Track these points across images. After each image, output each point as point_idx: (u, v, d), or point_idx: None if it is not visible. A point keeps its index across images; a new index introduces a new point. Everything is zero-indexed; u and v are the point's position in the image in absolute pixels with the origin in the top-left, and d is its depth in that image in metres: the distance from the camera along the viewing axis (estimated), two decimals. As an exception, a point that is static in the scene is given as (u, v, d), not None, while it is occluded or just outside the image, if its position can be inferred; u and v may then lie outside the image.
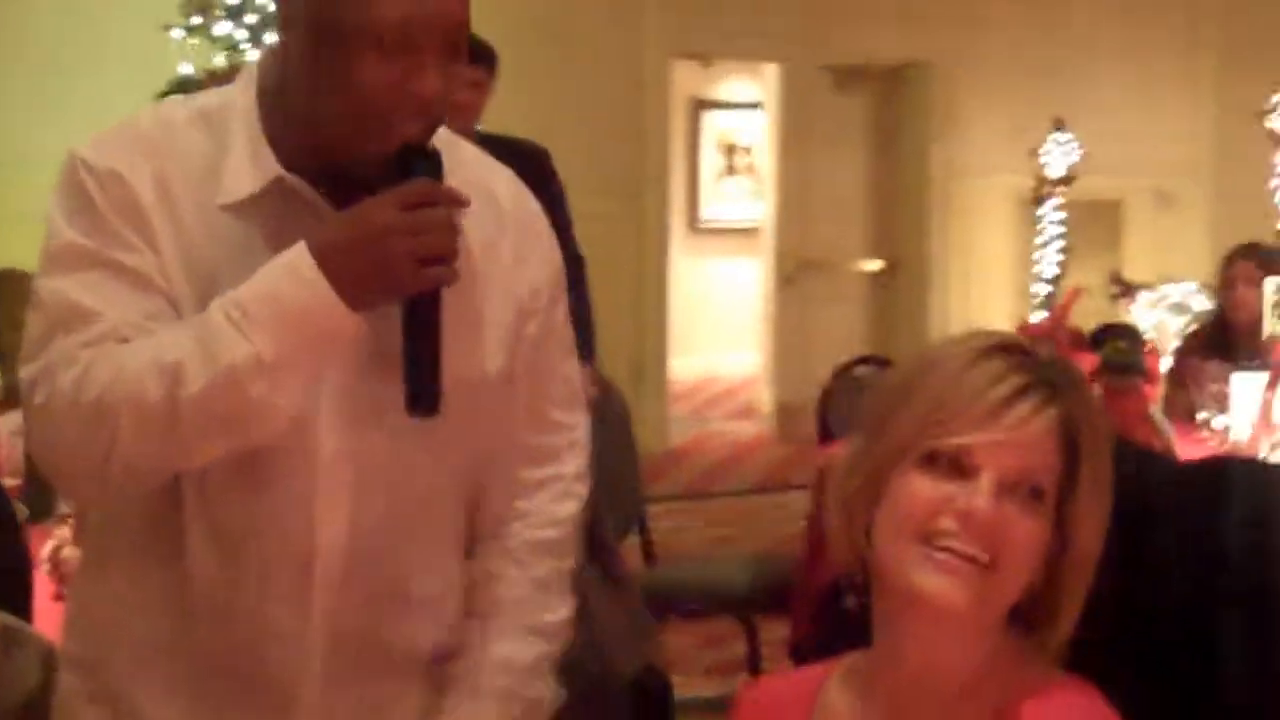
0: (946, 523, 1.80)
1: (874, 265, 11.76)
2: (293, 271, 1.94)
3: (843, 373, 6.27)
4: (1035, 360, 1.86)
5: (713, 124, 15.23)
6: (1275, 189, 10.25)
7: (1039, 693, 1.85)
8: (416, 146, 2.02)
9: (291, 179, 2.04)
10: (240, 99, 2.09)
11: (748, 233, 13.74)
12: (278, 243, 2.00)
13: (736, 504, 9.53)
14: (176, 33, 7.41)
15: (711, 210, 15.19)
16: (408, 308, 1.99)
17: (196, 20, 7.44)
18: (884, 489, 1.85)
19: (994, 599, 1.83)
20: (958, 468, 1.81)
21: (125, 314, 1.97)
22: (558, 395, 2.28)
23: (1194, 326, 7.77)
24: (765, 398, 12.06)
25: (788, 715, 1.99)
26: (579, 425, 2.32)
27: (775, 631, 5.31)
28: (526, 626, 2.24)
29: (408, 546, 2.17)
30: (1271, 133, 10.43)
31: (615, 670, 3.31)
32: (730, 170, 15.32)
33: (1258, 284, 6.09)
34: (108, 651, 2.15)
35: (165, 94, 7.42)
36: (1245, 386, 5.38)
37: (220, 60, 7.39)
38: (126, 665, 2.14)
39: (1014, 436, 1.81)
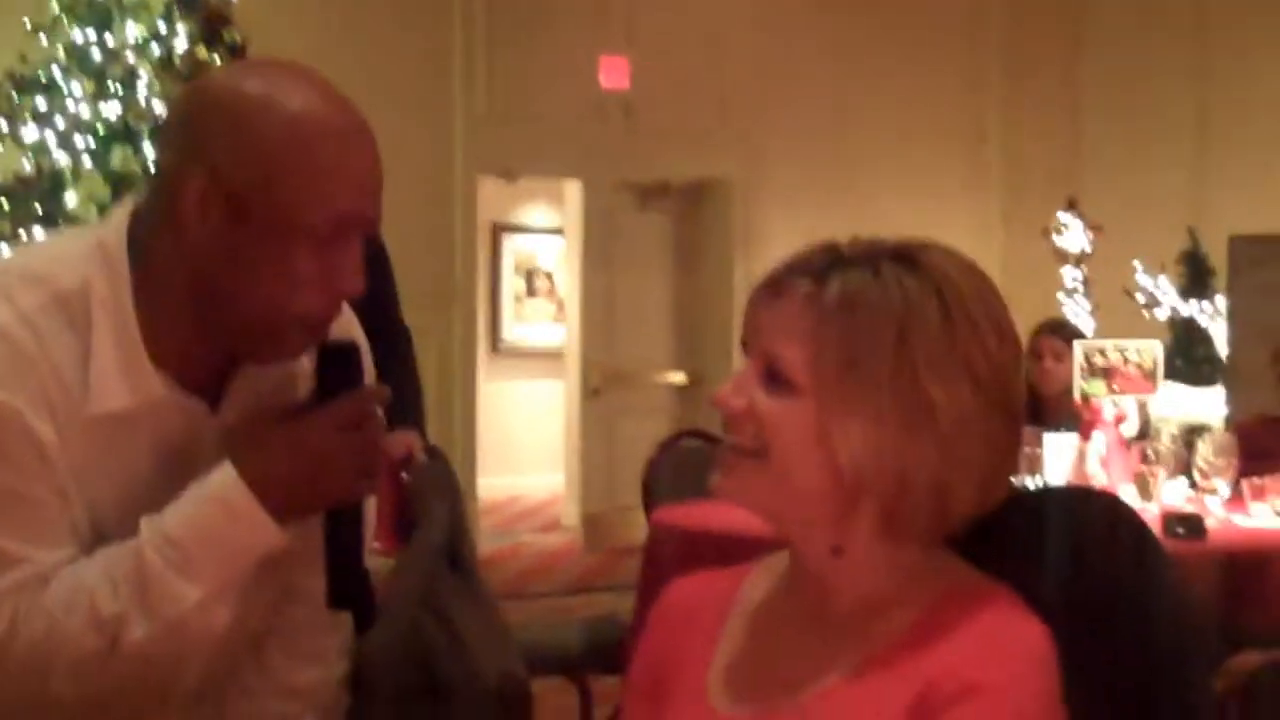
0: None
1: (678, 378, 11.88)
2: (229, 509, 1.88)
3: (668, 445, 6.37)
4: (822, 253, 1.81)
5: (512, 247, 15.37)
6: (1062, 302, 10.58)
7: (957, 609, 1.79)
8: (342, 345, 1.98)
9: (172, 397, 1.96)
10: (103, 286, 1.93)
11: (549, 355, 13.86)
12: (160, 449, 1.96)
13: (550, 604, 9.51)
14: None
15: (513, 333, 15.31)
16: (331, 514, 1.98)
17: (2, 125, 7.38)
18: None
19: (775, 488, 1.80)
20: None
21: (43, 552, 1.87)
22: None
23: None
24: (571, 512, 12.08)
25: (709, 610, 1.96)
26: None
27: (608, 694, 5.33)
28: None
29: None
30: (1058, 250, 10.83)
31: (477, 672, 3.31)
32: (531, 293, 15.45)
33: (1061, 357, 6.38)
34: None
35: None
36: (1057, 446, 5.61)
37: (26, 165, 7.34)
38: None
39: (760, 324, 1.81)
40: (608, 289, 11.57)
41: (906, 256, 1.79)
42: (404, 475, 5.12)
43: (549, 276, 15.18)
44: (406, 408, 5.63)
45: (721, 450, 1.83)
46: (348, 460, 1.92)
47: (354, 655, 3.41)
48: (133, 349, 1.93)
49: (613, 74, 11.04)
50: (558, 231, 13.45)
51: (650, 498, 5.98)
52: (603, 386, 11.49)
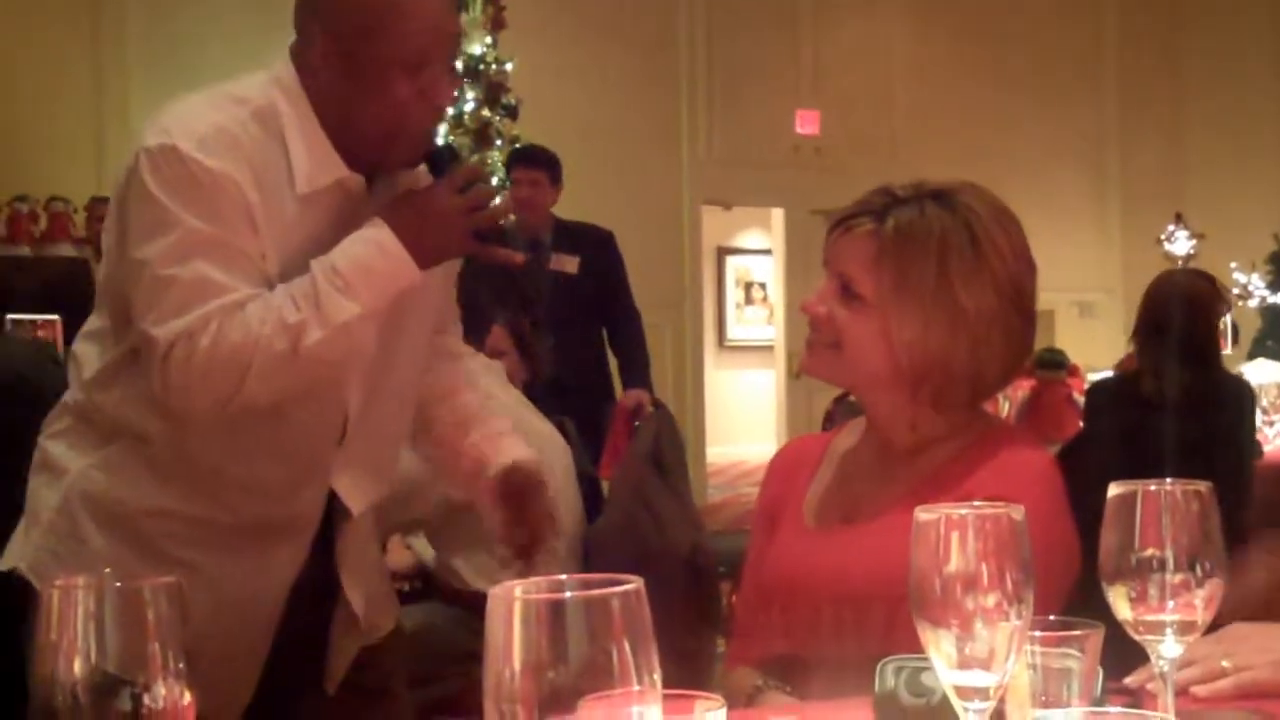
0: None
1: (862, 363, 11.83)
2: (379, 247, 2.00)
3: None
4: (881, 196, 1.92)
5: (733, 265, 15.52)
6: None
7: (987, 446, 1.90)
8: (444, 148, 2.15)
9: (350, 176, 2.08)
10: (286, 105, 2.06)
11: (763, 349, 13.95)
12: (337, 224, 2.05)
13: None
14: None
15: (735, 332, 15.46)
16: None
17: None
18: None
19: (848, 370, 1.95)
20: None
21: (244, 287, 1.97)
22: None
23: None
24: (781, 472, 12.12)
25: (809, 459, 2.09)
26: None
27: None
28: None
29: (398, 415, 2.30)
30: (1168, 254, 10.71)
31: (672, 546, 3.48)
32: (749, 301, 15.59)
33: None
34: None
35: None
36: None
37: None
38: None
39: (835, 251, 1.94)
40: (805, 295, 11.57)
41: (944, 196, 1.91)
42: (635, 423, 5.36)
43: (762, 287, 15.26)
44: (637, 371, 5.86)
45: (809, 341, 1.99)
46: (464, 212, 2.05)
47: (585, 536, 3.62)
48: (320, 145, 2.06)
49: (806, 123, 11.17)
50: (768, 252, 13.55)
51: (826, 438, 6.11)
52: (802, 372, 11.51)
